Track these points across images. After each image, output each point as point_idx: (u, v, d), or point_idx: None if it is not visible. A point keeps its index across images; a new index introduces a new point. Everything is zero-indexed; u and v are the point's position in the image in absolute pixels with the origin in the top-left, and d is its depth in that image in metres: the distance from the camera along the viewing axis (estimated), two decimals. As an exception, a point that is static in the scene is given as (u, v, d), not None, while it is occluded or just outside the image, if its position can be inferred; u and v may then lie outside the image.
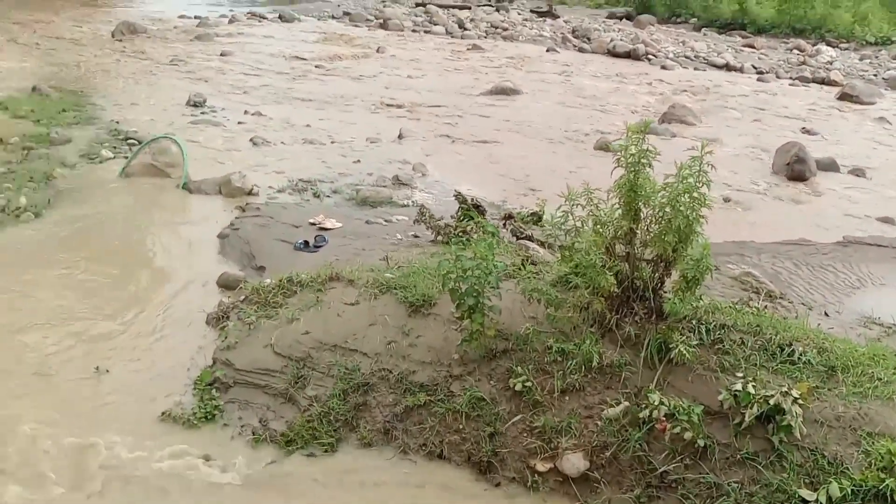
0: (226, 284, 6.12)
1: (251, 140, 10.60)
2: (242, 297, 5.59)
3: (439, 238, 6.57)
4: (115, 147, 9.75)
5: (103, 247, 6.89)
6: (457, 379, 4.42)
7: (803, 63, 23.65)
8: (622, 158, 4.22)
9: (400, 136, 11.52)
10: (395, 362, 4.61)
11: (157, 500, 3.97)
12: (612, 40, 24.82)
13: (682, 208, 4.04)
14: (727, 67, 22.25)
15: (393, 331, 4.79)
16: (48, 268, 6.32)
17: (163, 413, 4.54)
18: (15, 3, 23.60)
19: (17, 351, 5.08)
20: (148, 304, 5.90)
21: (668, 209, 4.10)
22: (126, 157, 9.15)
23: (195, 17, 24.73)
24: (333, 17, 28.93)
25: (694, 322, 4.29)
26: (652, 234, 4.24)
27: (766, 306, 5.10)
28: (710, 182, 4.11)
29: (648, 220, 4.27)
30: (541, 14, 34.83)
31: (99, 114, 11.56)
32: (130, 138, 10.09)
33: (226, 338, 5.11)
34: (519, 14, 34.28)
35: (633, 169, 4.16)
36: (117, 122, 11.01)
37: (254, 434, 4.42)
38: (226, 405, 4.63)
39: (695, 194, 4.06)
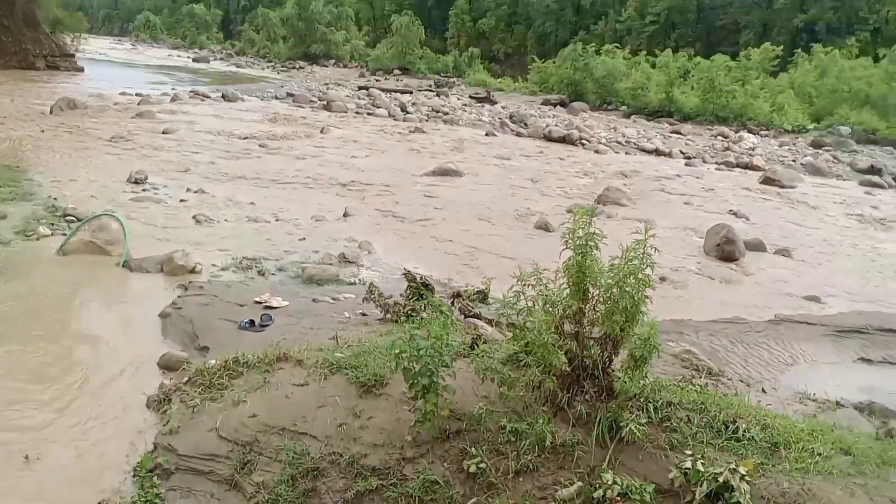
0: (167, 366, 5.94)
1: (194, 218, 10.49)
2: (185, 379, 5.43)
3: (388, 316, 6.58)
4: (52, 224, 9.50)
5: (39, 326, 6.62)
6: (410, 462, 4.35)
7: (728, 149, 25.11)
8: (570, 241, 4.37)
9: (345, 215, 11.62)
10: (345, 445, 4.51)
11: None
12: (547, 126, 25.92)
13: (628, 289, 4.19)
14: (657, 152, 23.42)
15: (343, 412, 4.70)
16: (-24, 349, 6.02)
17: (100, 502, 4.30)
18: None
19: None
20: (85, 386, 5.65)
21: (615, 290, 4.24)
22: (64, 235, 8.94)
23: (137, 95, 24.75)
24: (277, 98, 29.40)
25: (642, 400, 4.37)
26: (599, 314, 4.37)
27: (707, 383, 5.25)
28: (654, 264, 4.29)
29: (595, 300, 4.40)
30: (479, 100, 36.31)
31: (36, 190, 11.29)
32: (69, 215, 9.84)
33: (168, 422, 4.93)
34: (459, 99, 35.61)
35: (581, 251, 4.31)
36: (55, 199, 10.74)
37: (196, 524, 4.23)
38: (167, 493, 4.43)
39: (640, 275, 4.22)
